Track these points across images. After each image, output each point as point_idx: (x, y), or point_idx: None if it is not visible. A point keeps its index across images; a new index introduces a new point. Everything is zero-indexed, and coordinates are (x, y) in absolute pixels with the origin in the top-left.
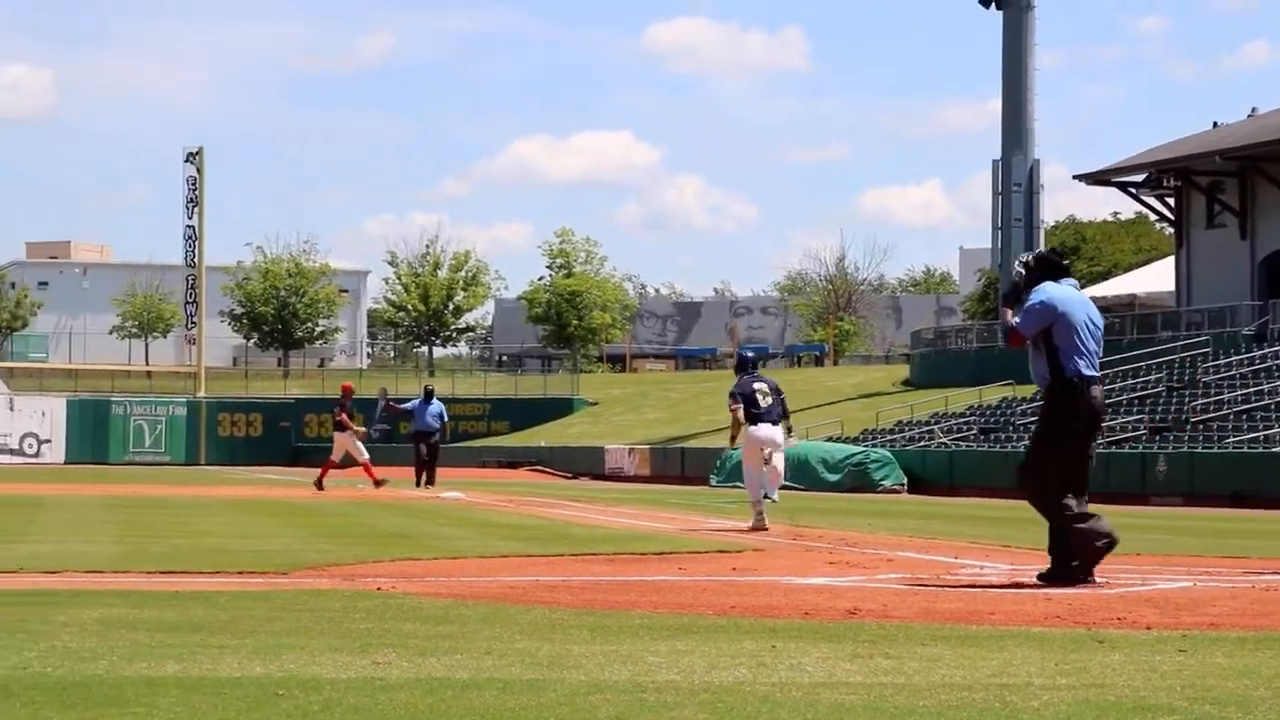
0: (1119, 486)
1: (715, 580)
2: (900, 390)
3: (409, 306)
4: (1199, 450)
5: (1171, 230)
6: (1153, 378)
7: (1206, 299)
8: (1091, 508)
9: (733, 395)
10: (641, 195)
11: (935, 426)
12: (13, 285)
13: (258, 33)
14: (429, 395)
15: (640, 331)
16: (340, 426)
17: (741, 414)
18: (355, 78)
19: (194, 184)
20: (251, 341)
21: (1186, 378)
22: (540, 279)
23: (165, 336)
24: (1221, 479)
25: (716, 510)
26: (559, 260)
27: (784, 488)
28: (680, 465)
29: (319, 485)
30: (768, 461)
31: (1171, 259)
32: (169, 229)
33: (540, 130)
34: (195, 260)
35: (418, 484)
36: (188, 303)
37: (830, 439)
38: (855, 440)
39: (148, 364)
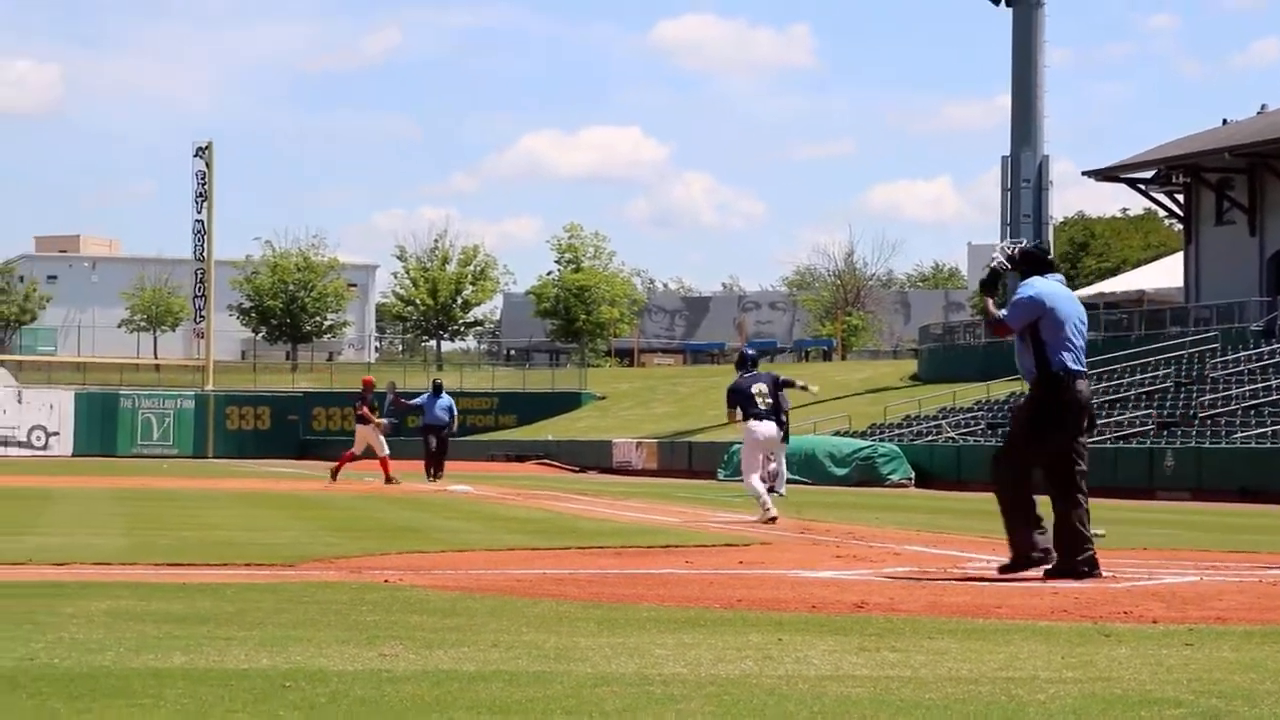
0: (1127, 481)
1: (722, 573)
2: (908, 385)
3: (417, 301)
4: (1207, 445)
5: (1180, 226)
6: (1161, 373)
7: (1215, 295)
8: (1098, 503)
9: (730, 394)
10: (650, 191)
11: (943, 421)
12: (22, 279)
13: (265, 30)
14: (437, 389)
15: (648, 326)
16: (363, 420)
17: (740, 416)
18: (363, 74)
19: (203, 178)
20: (260, 335)
21: (1195, 373)
22: (549, 274)
23: (174, 330)
24: (1229, 474)
25: (724, 504)
26: (567, 255)
27: (791, 482)
28: (688, 459)
29: (334, 476)
30: (769, 460)
31: (1180, 255)
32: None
33: (549, 125)
34: (204, 254)
35: (428, 477)
36: (196, 296)
37: (838, 433)
38: (863, 435)
39: (156, 357)
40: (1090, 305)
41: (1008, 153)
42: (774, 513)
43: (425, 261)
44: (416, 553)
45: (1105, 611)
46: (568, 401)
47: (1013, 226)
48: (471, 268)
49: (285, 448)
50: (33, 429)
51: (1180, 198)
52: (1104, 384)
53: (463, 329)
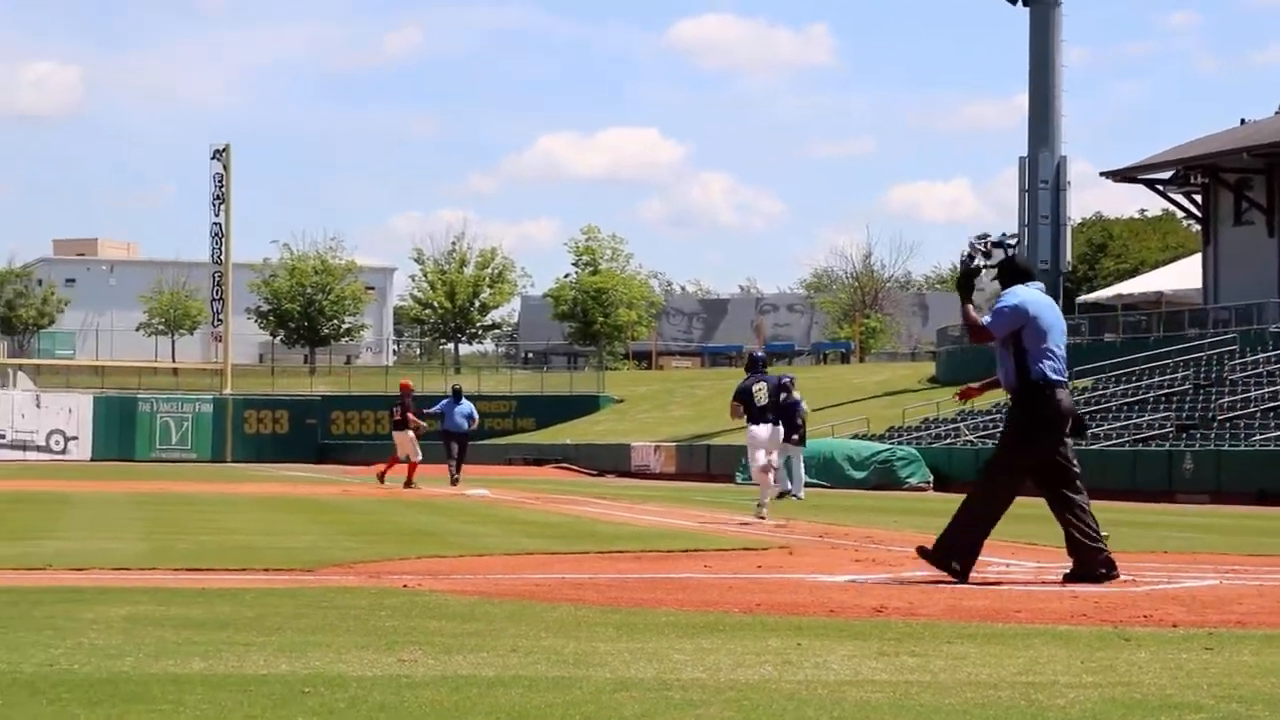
0: (1146, 484)
1: (741, 578)
2: (926, 387)
3: (435, 303)
4: (1226, 448)
5: (1199, 227)
6: (1180, 375)
7: (1234, 296)
8: (1118, 506)
9: (735, 394)
10: (667, 192)
11: (961, 424)
12: (40, 282)
13: (282, 30)
14: (457, 395)
15: (666, 329)
16: (401, 425)
17: (742, 411)
18: (381, 74)
19: (221, 181)
20: (278, 339)
21: (1213, 375)
22: (566, 276)
23: (192, 333)
24: (1248, 476)
25: (742, 507)
26: (585, 257)
27: (809, 485)
28: (706, 462)
29: (381, 479)
30: (767, 460)
31: (1199, 256)
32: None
33: (567, 127)
34: (222, 257)
35: (452, 482)
36: (214, 300)
37: (856, 436)
38: (881, 438)
39: (174, 361)
40: (1108, 307)
41: (1025, 153)
42: (762, 514)
43: (443, 264)
44: (435, 557)
45: (1125, 615)
46: (586, 405)
47: (1030, 227)
48: (489, 270)
49: (303, 452)
50: (51, 433)
51: (1198, 198)
52: (1122, 386)
53: (480, 332)
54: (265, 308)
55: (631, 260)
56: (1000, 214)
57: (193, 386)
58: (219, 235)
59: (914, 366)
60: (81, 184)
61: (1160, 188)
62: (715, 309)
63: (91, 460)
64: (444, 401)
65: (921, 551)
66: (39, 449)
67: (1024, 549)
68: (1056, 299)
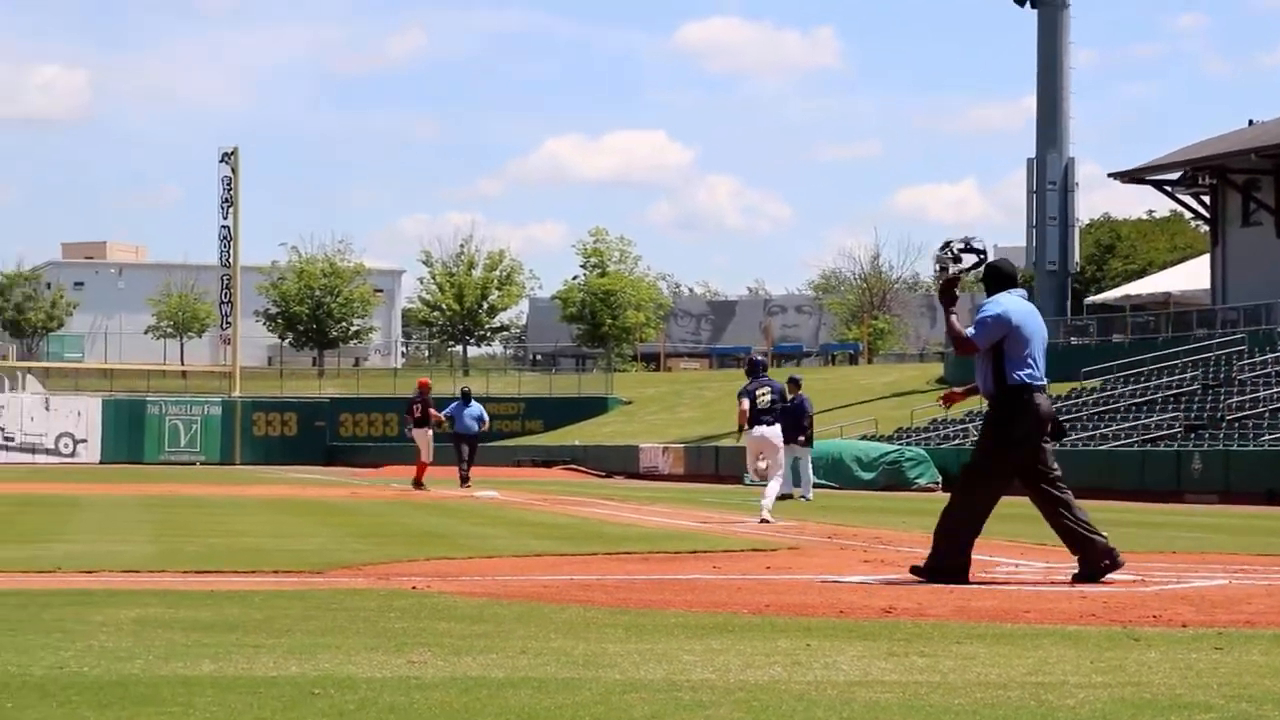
0: (1154, 484)
1: (750, 579)
2: (934, 388)
3: (443, 306)
4: (1234, 448)
5: (1207, 228)
6: (1188, 375)
7: (1242, 297)
8: (1125, 506)
9: (740, 396)
10: (675, 195)
11: (970, 425)
12: (49, 285)
13: (289, 33)
14: (467, 397)
15: (674, 330)
16: (421, 423)
17: (746, 406)
18: (387, 77)
19: (229, 184)
20: (286, 341)
21: (1222, 375)
22: (574, 278)
23: (200, 336)
24: (1257, 476)
25: (751, 509)
26: (593, 259)
27: (818, 486)
28: (714, 464)
29: (417, 486)
30: (761, 459)
31: (1207, 257)
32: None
33: (573, 129)
34: (230, 260)
35: (462, 484)
36: (223, 302)
37: (864, 437)
38: (889, 439)
39: (183, 364)
40: (1116, 308)
41: (1033, 155)
42: (764, 517)
43: (451, 266)
44: (443, 559)
45: (1134, 615)
46: (594, 406)
47: (1039, 229)
48: (497, 272)
49: (312, 454)
50: (60, 436)
51: (1206, 199)
52: (1131, 386)
53: (489, 334)
54: (274, 310)
55: (640, 262)
56: (1008, 215)
57: (201, 389)
58: (227, 238)
59: (922, 367)
60: (89, 187)
61: (1168, 189)
62: (723, 310)
63: (100, 463)
64: (454, 404)
65: (915, 571)
66: (48, 452)
67: (1032, 549)
68: (1065, 300)
